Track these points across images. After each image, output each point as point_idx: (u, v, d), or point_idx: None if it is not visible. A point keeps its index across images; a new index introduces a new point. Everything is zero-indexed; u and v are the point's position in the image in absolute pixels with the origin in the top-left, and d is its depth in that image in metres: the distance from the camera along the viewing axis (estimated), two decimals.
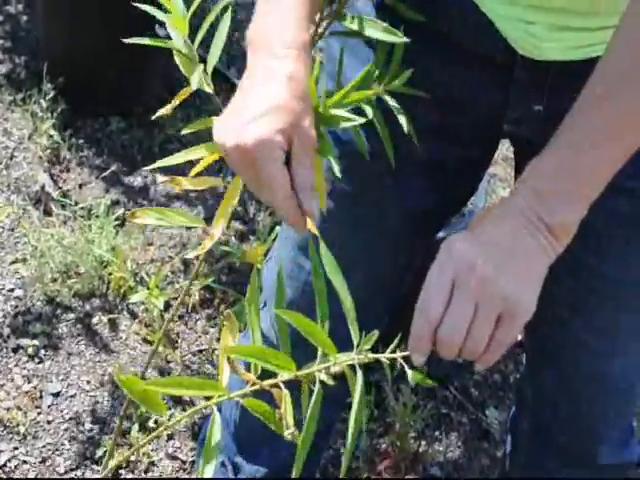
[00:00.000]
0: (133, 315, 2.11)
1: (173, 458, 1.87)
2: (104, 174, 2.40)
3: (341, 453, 1.94)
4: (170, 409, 1.93)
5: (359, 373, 0.81)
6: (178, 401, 1.95)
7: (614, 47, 0.95)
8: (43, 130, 2.44)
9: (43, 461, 1.83)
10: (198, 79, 0.91)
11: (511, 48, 1.10)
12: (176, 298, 2.17)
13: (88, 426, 1.90)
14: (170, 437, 1.91)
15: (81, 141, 2.49)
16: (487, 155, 1.26)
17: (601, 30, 1.04)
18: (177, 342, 2.09)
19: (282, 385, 0.80)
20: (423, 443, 1.97)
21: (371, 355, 0.82)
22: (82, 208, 2.27)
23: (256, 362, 0.80)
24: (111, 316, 2.10)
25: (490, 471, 1.94)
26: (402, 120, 1.00)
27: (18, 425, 1.87)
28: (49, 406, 1.92)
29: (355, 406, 0.80)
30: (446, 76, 1.14)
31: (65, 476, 1.80)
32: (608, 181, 0.97)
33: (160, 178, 0.96)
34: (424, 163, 1.20)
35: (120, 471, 1.83)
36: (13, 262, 2.18)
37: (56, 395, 1.94)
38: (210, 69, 0.92)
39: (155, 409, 0.83)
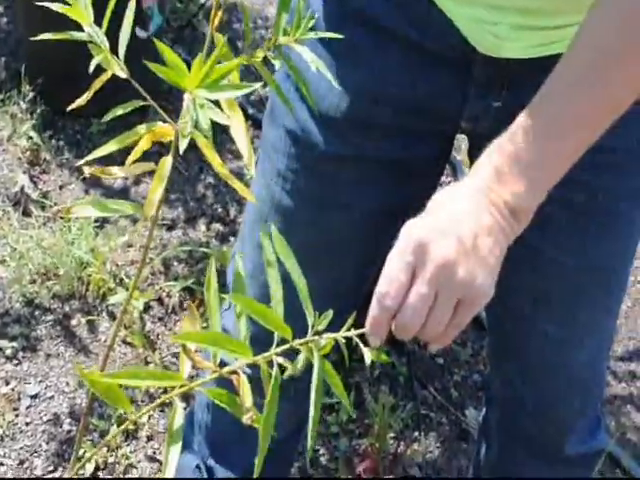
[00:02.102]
0: (112, 316, 2.10)
1: (152, 460, 1.87)
2: (84, 175, 2.39)
3: (320, 454, 1.94)
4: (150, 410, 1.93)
5: (316, 353, 0.81)
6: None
7: (583, 37, 0.96)
8: (22, 131, 2.43)
9: (21, 463, 1.82)
10: (100, 63, 0.90)
11: (471, 46, 1.10)
12: (156, 299, 2.17)
13: (66, 427, 1.89)
14: (149, 438, 1.90)
15: (61, 142, 2.48)
16: (446, 151, 1.27)
17: (563, 28, 1.05)
18: (156, 343, 2.08)
19: (240, 371, 0.80)
20: (402, 444, 1.98)
21: (326, 335, 0.82)
22: (61, 209, 2.26)
23: (209, 348, 0.80)
24: (90, 317, 2.09)
25: (469, 471, 1.94)
26: (323, 70, 0.95)
27: None
28: (27, 408, 1.92)
29: (314, 386, 0.80)
30: (405, 74, 1.14)
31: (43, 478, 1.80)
32: (570, 167, 0.97)
33: (86, 170, 0.94)
34: (386, 161, 1.20)
35: (98, 473, 1.83)
36: None
37: (34, 397, 1.94)
38: (122, 54, 0.91)
39: (119, 404, 0.82)
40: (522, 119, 0.96)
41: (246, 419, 0.80)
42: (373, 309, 0.95)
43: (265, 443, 0.79)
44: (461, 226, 0.94)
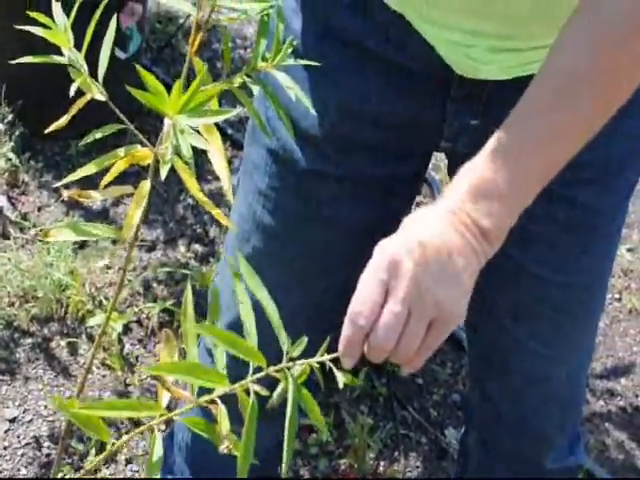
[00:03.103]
0: (92, 339, 2.10)
1: None
2: (62, 197, 2.39)
3: (301, 475, 1.94)
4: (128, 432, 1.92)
5: (290, 379, 0.81)
6: (137, 424, 1.94)
7: (553, 61, 0.96)
8: (1, 153, 2.43)
9: None
10: (79, 86, 0.90)
11: (449, 66, 1.12)
12: (135, 321, 2.16)
13: (45, 451, 1.88)
14: (128, 461, 1.90)
15: (40, 164, 2.48)
16: (424, 168, 1.28)
17: (540, 49, 1.06)
18: (135, 365, 2.08)
19: (218, 400, 0.80)
20: (382, 463, 1.98)
21: (300, 361, 0.82)
22: (40, 231, 2.26)
23: (185, 379, 0.80)
24: (70, 340, 2.09)
25: None
26: (293, 94, 0.96)
27: None
28: (5, 432, 1.91)
29: (288, 413, 0.80)
30: (385, 93, 1.16)
31: None
32: (544, 186, 0.98)
33: (65, 193, 0.94)
34: (366, 179, 1.22)
35: None
36: None
37: (12, 421, 1.93)
38: (101, 77, 0.91)
39: (98, 434, 0.82)
40: (494, 140, 0.96)
41: (222, 448, 0.81)
42: (346, 329, 0.94)
43: (244, 469, 0.79)
44: (434, 247, 0.95)
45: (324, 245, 1.27)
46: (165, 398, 0.84)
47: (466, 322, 1.40)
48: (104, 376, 2.05)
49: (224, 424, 0.80)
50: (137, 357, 2.10)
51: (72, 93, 0.91)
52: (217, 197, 2.39)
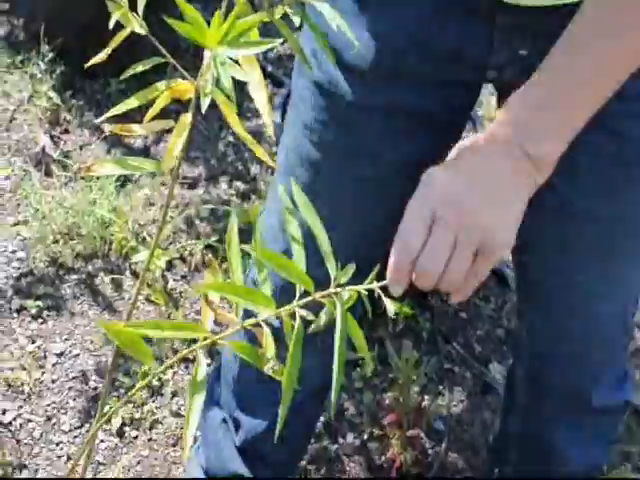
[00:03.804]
0: (136, 275, 2.11)
1: (177, 415, 1.88)
2: (105, 134, 2.40)
3: (345, 409, 1.96)
4: (174, 366, 1.94)
5: (338, 305, 0.81)
6: (183, 359, 1.96)
7: None
8: (42, 92, 2.44)
9: (48, 419, 1.85)
10: (119, 20, 0.89)
11: None
12: (179, 258, 2.17)
13: (92, 384, 1.91)
14: (174, 395, 1.92)
15: (81, 102, 2.48)
16: (471, 101, 1.26)
17: None
18: (179, 301, 2.09)
19: (263, 323, 0.81)
20: (427, 398, 1.98)
21: (348, 287, 0.82)
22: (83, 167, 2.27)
23: (231, 298, 0.80)
24: (114, 276, 2.10)
25: (493, 425, 1.95)
26: (343, 28, 0.95)
27: (22, 385, 1.88)
28: (53, 365, 1.93)
29: (337, 338, 0.80)
30: (431, 22, 1.14)
31: (70, 434, 1.82)
32: (592, 116, 0.97)
33: (107, 127, 0.94)
34: (413, 111, 1.20)
35: (125, 428, 1.85)
36: (15, 224, 2.18)
37: (60, 355, 1.95)
38: (141, 10, 0.90)
39: (142, 357, 0.83)
40: (542, 68, 0.95)
41: (268, 369, 0.81)
42: (394, 255, 0.95)
43: (288, 395, 0.80)
44: (482, 175, 0.94)
45: (369, 180, 1.26)
46: (210, 321, 0.85)
47: (512, 256, 1.39)
48: (148, 312, 2.07)
49: (269, 346, 0.81)
50: (180, 293, 2.11)
51: (111, 26, 0.90)
52: (257, 135, 2.38)
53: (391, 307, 0.86)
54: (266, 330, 0.82)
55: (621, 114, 1.07)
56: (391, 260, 0.95)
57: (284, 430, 1.70)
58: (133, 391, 0.91)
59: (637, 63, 0.97)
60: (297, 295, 0.81)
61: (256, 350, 0.81)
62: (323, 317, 0.83)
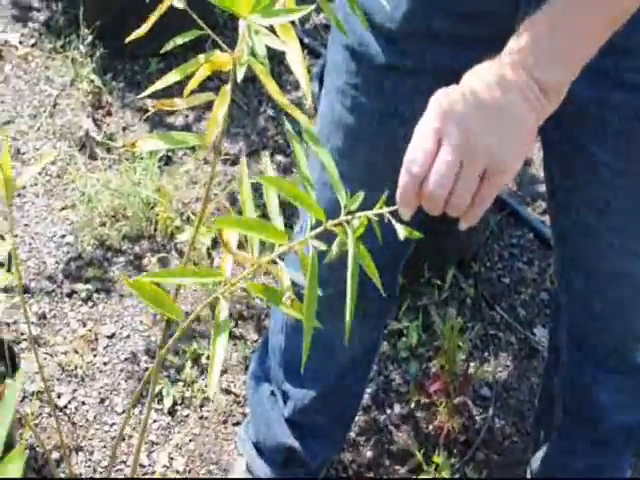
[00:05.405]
0: (182, 254, 2.15)
1: (227, 392, 1.92)
2: (146, 115, 2.43)
3: (392, 379, 1.98)
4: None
5: (350, 233, 0.83)
6: (231, 336, 1.99)
7: None
8: (84, 75, 2.47)
9: (102, 401, 1.90)
10: None
11: None
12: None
13: (143, 365, 1.95)
14: (223, 372, 1.95)
15: (122, 84, 2.51)
16: None
17: None
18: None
19: (277, 259, 0.84)
20: (472, 364, 2.00)
21: (358, 213, 0.84)
22: (126, 151, 2.30)
23: (245, 232, 0.83)
24: (160, 256, 2.14)
25: (539, 389, 1.96)
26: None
27: (76, 368, 1.93)
28: (105, 348, 1.98)
29: (350, 267, 0.82)
30: None
31: (123, 415, 1.86)
32: (601, 44, 0.98)
33: (150, 103, 0.96)
34: (443, 71, 1.21)
35: (176, 407, 1.89)
36: (63, 208, 2.23)
37: (111, 337, 2.00)
38: None
39: (167, 311, 0.87)
40: (551, 1, 0.97)
41: (284, 299, 0.84)
42: (402, 178, 0.97)
43: (309, 329, 0.82)
44: (490, 98, 0.96)
45: (402, 143, 1.27)
46: (228, 266, 0.88)
47: (551, 219, 1.40)
48: (195, 290, 2.10)
49: (285, 280, 0.84)
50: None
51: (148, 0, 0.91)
52: (296, 107, 2.39)
53: (402, 231, 0.87)
54: (280, 264, 0.85)
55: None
56: (399, 184, 0.97)
57: (330, 401, 1.73)
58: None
59: None
60: (309, 227, 0.83)
61: (274, 290, 0.84)
62: (335, 245, 0.85)
